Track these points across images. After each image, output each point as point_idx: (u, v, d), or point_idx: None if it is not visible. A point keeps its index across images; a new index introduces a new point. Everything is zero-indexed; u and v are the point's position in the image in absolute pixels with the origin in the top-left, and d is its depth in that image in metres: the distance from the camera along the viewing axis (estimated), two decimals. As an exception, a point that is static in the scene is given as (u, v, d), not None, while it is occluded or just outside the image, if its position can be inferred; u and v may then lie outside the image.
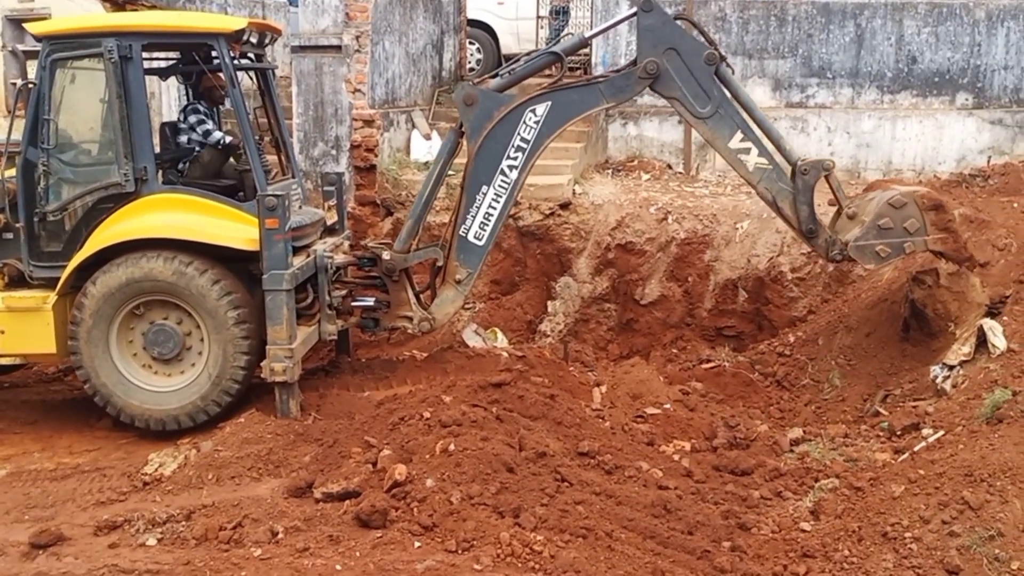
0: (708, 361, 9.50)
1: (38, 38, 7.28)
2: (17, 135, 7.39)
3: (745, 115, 7.57)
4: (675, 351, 10.00)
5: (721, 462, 6.74)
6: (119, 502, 6.22)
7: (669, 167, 12.52)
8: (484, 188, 7.59)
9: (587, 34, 8.30)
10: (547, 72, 7.95)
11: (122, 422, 7.38)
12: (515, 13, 14.80)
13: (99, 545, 5.56)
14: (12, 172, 7.34)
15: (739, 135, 7.46)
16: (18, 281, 7.45)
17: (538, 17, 14.25)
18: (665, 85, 7.44)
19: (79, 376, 7.37)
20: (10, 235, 7.43)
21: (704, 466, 6.67)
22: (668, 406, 7.90)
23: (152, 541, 5.57)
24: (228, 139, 7.97)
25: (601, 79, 7.66)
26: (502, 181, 7.58)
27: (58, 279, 7.27)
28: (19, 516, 6.11)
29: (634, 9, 7.47)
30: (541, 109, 7.48)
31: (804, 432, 7.32)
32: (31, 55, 8.22)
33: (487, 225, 7.67)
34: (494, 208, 7.64)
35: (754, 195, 11.19)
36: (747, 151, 7.49)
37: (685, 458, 6.84)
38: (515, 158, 7.53)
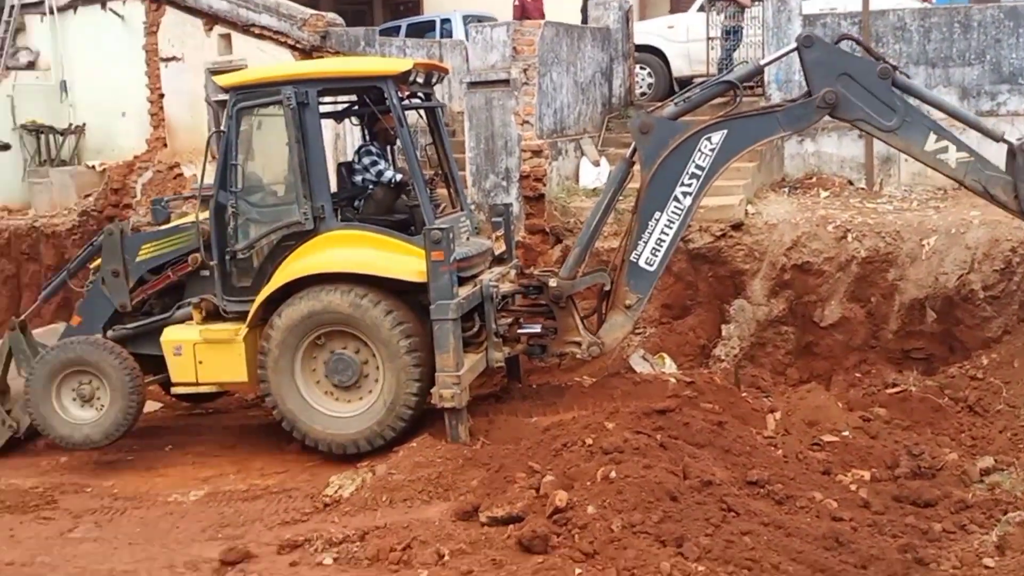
0: (894, 385, 9.04)
1: (225, 89, 7.89)
2: (211, 180, 8.00)
3: (936, 113, 7.43)
4: (858, 375, 9.56)
5: (902, 493, 6.44)
6: (301, 522, 6.58)
7: (850, 183, 12.04)
8: (657, 214, 7.64)
9: (762, 62, 8.23)
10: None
11: (308, 446, 7.80)
12: (686, 36, 14.63)
13: (281, 563, 5.92)
14: (206, 214, 7.93)
15: (933, 136, 7.35)
16: (214, 315, 8.01)
17: (708, 38, 14.03)
18: (846, 110, 7.39)
19: (267, 403, 7.85)
20: (207, 272, 8.01)
21: (883, 497, 6.39)
22: (847, 433, 7.60)
23: (328, 560, 5.87)
24: (399, 177, 8.32)
25: (779, 108, 7.66)
26: (675, 207, 7.61)
27: (248, 313, 7.78)
28: (213, 534, 6.58)
29: (795, 45, 7.43)
30: (717, 137, 7.50)
31: (996, 461, 6.87)
32: (223, 105, 8.88)
33: (659, 251, 7.71)
34: (666, 234, 7.68)
35: (942, 210, 10.69)
36: (944, 150, 7.37)
37: (863, 488, 6.57)
38: (689, 185, 7.58)
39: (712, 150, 7.50)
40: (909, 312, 9.87)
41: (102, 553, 6.33)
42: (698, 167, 7.53)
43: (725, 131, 7.49)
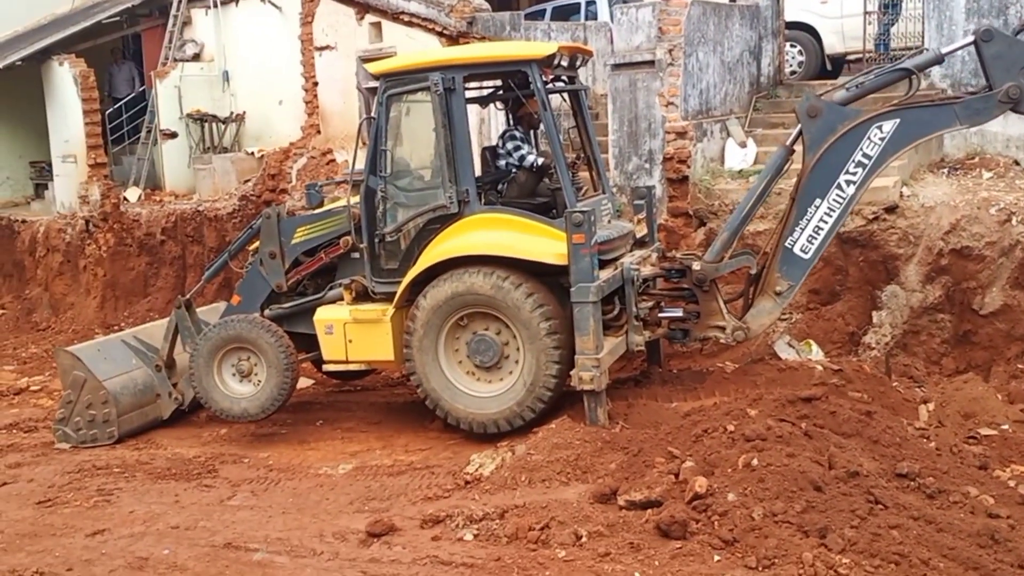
0: (1060, 378, 8.57)
1: (375, 76, 8.12)
2: (361, 165, 8.26)
3: None
4: (1020, 367, 9.08)
5: (1066, 491, 6.09)
6: (443, 498, 6.76)
7: (1016, 163, 11.36)
8: (817, 202, 7.49)
9: (943, 51, 7.87)
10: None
11: (450, 424, 8.00)
12: (840, 11, 14.08)
13: (424, 537, 6.11)
14: (357, 199, 8.19)
15: None
16: (363, 296, 8.30)
17: (865, 12, 13.45)
18: None
19: (412, 381, 8.09)
20: (356, 255, 8.31)
21: (1045, 494, 6.06)
22: (1006, 427, 7.30)
23: (469, 536, 6.01)
24: (541, 161, 8.39)
25: (957, 100, 7.38)
26: (837, 196, 7.45)
27: (395, 294, 8.02)
28: (360, 507, 6.84)
29: (972, 39, 7.14)
30: (888, 126, 7.29)
31: None
32: (374, 92, 9.14)
33: (815, 239, 7.57)
34: (825, 222, 7.53)
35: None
36: None
37: (1022, 485, 6.27)
38: (854, 173, 7.40)
39: (882, 139, 7.28)
40: (1079, 301, 9.29)
41: (257, 520, 6.69)
42: (865, 156, 7.32)
43: (898, 120, 7.25)
